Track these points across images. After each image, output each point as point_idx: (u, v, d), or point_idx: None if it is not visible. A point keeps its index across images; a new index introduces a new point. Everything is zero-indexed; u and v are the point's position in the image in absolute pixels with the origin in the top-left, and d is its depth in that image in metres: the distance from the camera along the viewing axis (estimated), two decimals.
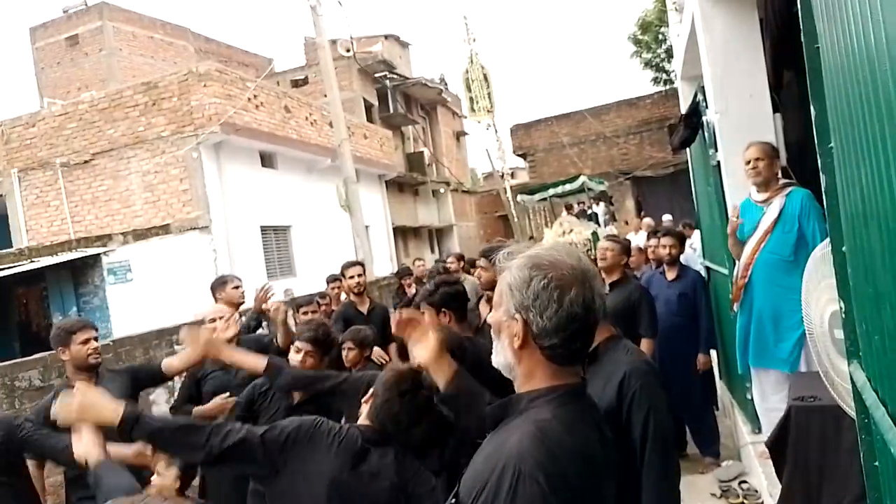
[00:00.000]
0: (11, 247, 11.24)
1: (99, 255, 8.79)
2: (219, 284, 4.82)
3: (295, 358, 3.15)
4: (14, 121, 11.87)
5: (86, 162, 11.21)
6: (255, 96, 11.88)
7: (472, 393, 2.03)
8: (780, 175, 3.72)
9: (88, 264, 8.82)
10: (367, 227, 10.07)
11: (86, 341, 3.28)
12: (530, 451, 1.15)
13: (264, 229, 12.20)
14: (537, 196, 13.49)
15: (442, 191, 24.20)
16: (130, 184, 11.03)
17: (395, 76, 22.15)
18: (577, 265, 1.27)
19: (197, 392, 3.79)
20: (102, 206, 11.22)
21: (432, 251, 23.02)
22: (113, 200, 11.16)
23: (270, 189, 12.33)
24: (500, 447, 1.21)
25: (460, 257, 8.09)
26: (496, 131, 16.65)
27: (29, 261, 8.86)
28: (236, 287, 4.79)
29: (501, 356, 1.32)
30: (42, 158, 11.52)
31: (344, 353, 3.50)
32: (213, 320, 3.80)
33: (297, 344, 3.20)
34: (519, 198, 13.36)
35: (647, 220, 12.40)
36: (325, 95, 11.77)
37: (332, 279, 7.25)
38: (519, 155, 23.29)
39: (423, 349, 2.06)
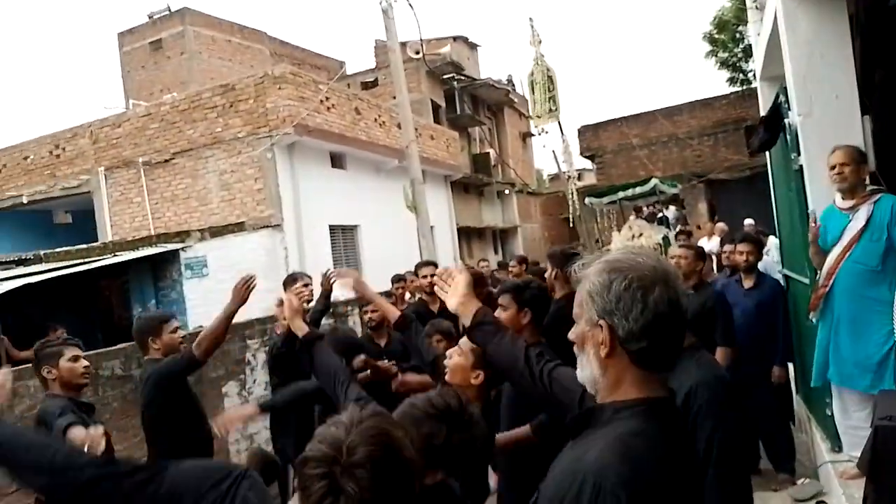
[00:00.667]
0: (97, 241, 11.87)
1: (177, 250, 9.18)
2: (290, 282, 5.01)
3: None
4: (102, 121, 12.52)
5: (166, 161, 11.72)
6: (326, 98, 12.14)
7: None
8: (867, 181, 3.54)
9: (167, 259, 9.23)
10: (431, 227, 10.13)
11: (175, 330, 3.66)
12: (613, 465, 1.10)
13: (333, 228, 12.45)
14: (606, 199, 13.25)
15: (507, 192, 24.11)
16: (208, 182, 11.47)
17: (462, 77, 22.22)
18: (657, 265, 1.23)
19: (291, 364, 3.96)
20: (181, 204, 11.71)
21: (496, 252, 22.96)
22: (191, 198, 11.63)
23: (339, 189, 12.58)
24: (580, 459, 1.17)
25: (523, 260, 8.04)
26: (562, 133, 16.45)
27: (112, 255, 9.33)
28: (306, 285, 4.96)
29: (587, 370, 1.28)
30: (126, 157, 12.11)
31: (433, 345, 3.51)
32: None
33: None
34: (587, 200, 13.18)
35: (721, 225, 11.99)
36: (394, 97, 11.93)
37: (397, 279, 7.34)
38: (586, 156, 22.95)
39: (453, 293, 1.97)
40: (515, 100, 25.96)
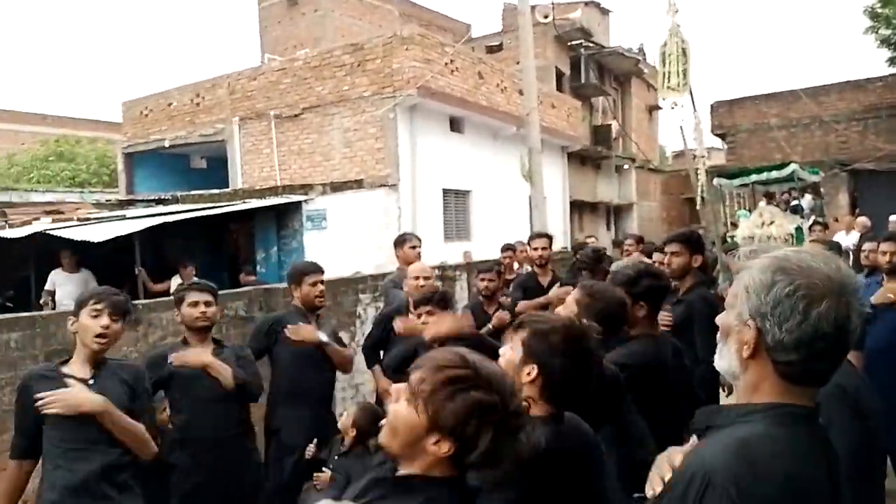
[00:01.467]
0: (228, 187, 12.63)
1: (300, 202, 9.59)
2: (399, 242, 5.16)
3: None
4: (239, 74, 13.19)
5: (296, 115, 12.21)
6: (451, 61, 12.12)
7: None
8: None
9: (291, 209, 9.66)
10: (544, 198, 9.97)
11: (314, 283, 3.84)
12: (726, 461, 1.06)
13: (446, 192, 12.55)
14: (737, 181, 12.44)
15: (626, 167, 23.26)
16: (332, 139, 11.85)
17: (591, 45, 21.46)
18: (833, 275, 1.11)
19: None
20: (306, 158, 12.19)
21: (608, 228, 22.34)
22: (316, 153, 12.08)
23: (456, 153, 12.62)
24: (696, 454, 1.14)
25: (640, 239, 7.75)
26: (695, 108, 15.56)
27: (241, 202, 9.89)
28: (413, 247, 5.08)
29: (726, 361, 1.21)
30: (259, 110, 12.72)
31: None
32: (417, 278, 4.09)
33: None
34: (716, 181, 12.46)
35: (862, 220, 11.00)
36: (518, 63, 11.71)
37: (506, 248, 7.31)
38: (717, 135, 21.64)
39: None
40: (645, 70, 24.80)
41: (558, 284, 4.98)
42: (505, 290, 5.54)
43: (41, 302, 8.19)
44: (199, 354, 3.13)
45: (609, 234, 21.51)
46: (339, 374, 4.14)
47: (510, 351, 1.88)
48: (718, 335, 1.24)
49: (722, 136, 21.50)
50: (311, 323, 3.86)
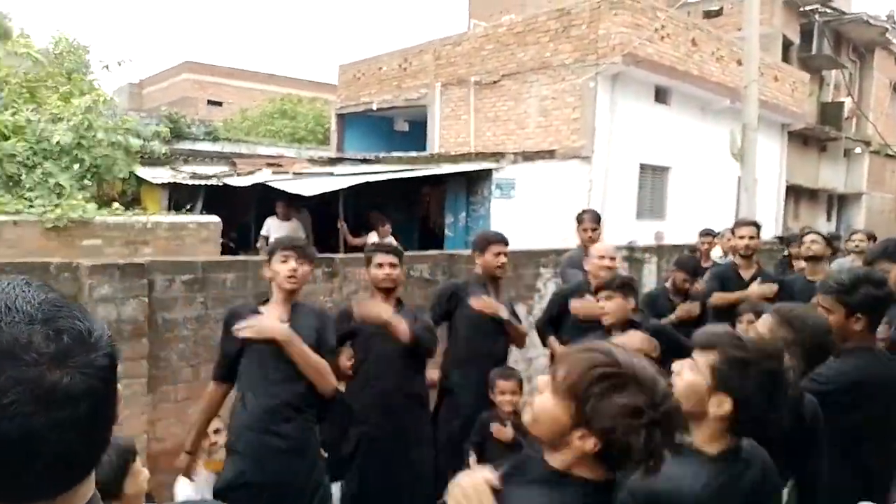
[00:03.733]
0: (426, 150, 13.09)
1: (491, 169, 9.65)
2: (578, 220, 4.94)
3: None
4: (444, 40, 13.49)
5: (494, 82, 12.24)
6: (662, 27, 11.36)
7: None
8: None
9: (481, 176, 9.76)
10: (755, 180, 9.05)
11: (498, 254, 3.87)
12: None
13: (643, 167, 11.92)
14: None
15: (858, 150, 20.47)
16: (528, 107, 11.74)
17: (828, 10, 18.95)
18: None
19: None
20: (501, 125, 12.22)
21: (828, 219, 19.94)
22: (510, 121, 12.06)
23: (657, 126, 11.90)
24: None
25: (871, 236, 6.76)
26: None
27: (436, 165, 10.19)
28: (585, 229, 4.85)
29: None
30: (461, 76, 12.94)
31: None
32: (602, 257, 3.97)
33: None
34: None
35: None
36: (740, 29, 10.66)
37: (705, 233, 6.76)
38: None
39: None
40: (893, 41, 21.45)
41: (759, 280, 4.49)
42: (698, 278, 5.13)
43: (257, 246, 9.13)
44: (379, 307, 3.27)
45: (828, 225, 19.21)
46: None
47: (690, 373, 1.67)
48: None
49: None
50: (490, 293, 3.88)
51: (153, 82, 30.54)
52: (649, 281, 7.41)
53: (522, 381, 3.65)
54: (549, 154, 10.53)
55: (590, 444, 1.25)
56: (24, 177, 7.61)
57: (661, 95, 12.13)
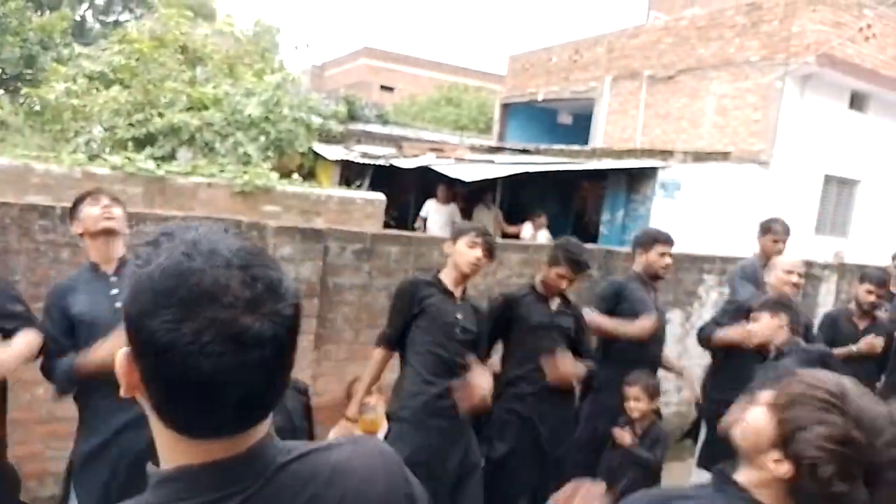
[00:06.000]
0: (588, 145, 12.84)
1: (656, 168, 9.26)
2: (765, 229, 4.55)
3: None
4: (620, 32, 13.11)
5: (669, 77, 11.72)
6: (868, 26, 10.26)
7: None
8: None
9: (645, 175, 9.40)
10: None
11: (663, 254, 3.75)
12: None
13: (828, 179, 10.89)
14: None
15: None
16: (705, 105, 11.12)
17: None
18: None
19: None
20: (672, 123, 11.69)
21: None
22: (683, 118, 11.50)
23: (850, 135, 10.79)
24: None
25: None
26: None
27: (598, 160, 9.97)
28: (776, 241, 4.44)
29: None
30: (634, 69, 12.52)
31: None
32: (790, 273, 3.71)
33: None
34: None
35: None
36: None
37: None
38: None
39: None
40: None
41: None
42: (886, 304, 4.62)
43: (415, 225, 9.49)
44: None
45: None
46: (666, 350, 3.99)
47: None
48: None
49: None
50: (651, 292, 3.77)
51: (334, 66, 32.55)
52: (825, 301, 6.78)
53: (654, 387, 3.56)
54: (723, 156, 9.91)
55: (783, 469, 1.18)
56: (217, 145, 8.45)
57: (857, 101, 10.97)
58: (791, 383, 1.24)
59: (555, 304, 3.46)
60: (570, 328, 3.49)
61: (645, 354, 3.79)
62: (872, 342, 4.18)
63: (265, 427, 0.81)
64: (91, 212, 2.47)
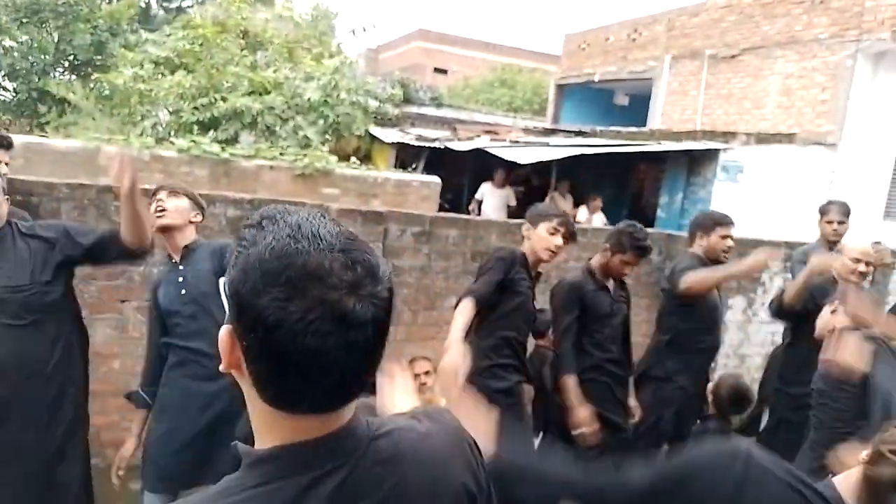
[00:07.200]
0: (646, 126, 12.58)
1: (717, 150, 9.02)
2: (822, 211, 4.43)
3: None
4: (681, 10, 12.73)
5: (732, 57, 11.35)
6: None
7: None
8: None
9: (706, 157, 9.17)
10: None
11: (725, 237, 3.65)
12: None
13: None
14: None
15: None
16: (769, 85, 10.74)
17: None
18: None
19: None
20: (734, 103, 11.34)
21: None
22: (746, 99, 11.14)
23: None
24: None
25: None
26: None
27: (656, 142, 9.76)
28: (829, 221, 4.31)
29: None
30: (694, 48, 12.16)
31: None
32: (858, 261, 3.43)
33: None
34: None
35: None
36: None
37: None
38: None
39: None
40: None
41: None
42: None
43: (469, 208, 9.52)
44: None
45: None
46: (727, 338, 3.94)
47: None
48: None
49: None
50: None
51: (388, 49, 32.65)
52: (894, 289, 6.53)
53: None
54: (788, 138, 9.57)
55: None
56: (278, 128, 8.64)
57: None
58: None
59: (613, 289, 3.46)
60: (627, 314, 3.50)
61: (712, 342, 3.74)
62: None
63: (352, 407, 0.84)
64: (151, 210, 2.59)
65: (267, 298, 0.72)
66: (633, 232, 3.35)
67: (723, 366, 5.17)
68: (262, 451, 0.80)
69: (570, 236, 2.99)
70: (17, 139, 4.25)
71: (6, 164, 3.79)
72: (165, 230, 2.62)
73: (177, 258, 2.66)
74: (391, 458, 0.84)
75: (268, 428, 0.81)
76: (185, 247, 2.65)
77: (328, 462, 0.79)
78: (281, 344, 0.73)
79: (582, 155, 8.96)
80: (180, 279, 2.60)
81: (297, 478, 0.78)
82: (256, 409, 0.81)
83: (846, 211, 4.30)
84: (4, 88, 14.22)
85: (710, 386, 3.87)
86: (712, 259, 3.69)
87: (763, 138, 9.41)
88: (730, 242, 3.66)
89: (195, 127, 8.11)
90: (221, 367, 0.81)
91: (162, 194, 2.65)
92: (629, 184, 12.09)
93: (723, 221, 3.70)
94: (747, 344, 5.34)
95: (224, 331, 0.79)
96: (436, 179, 7.65)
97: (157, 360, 2.64)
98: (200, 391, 2.51)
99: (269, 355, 0.75)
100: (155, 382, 2.65)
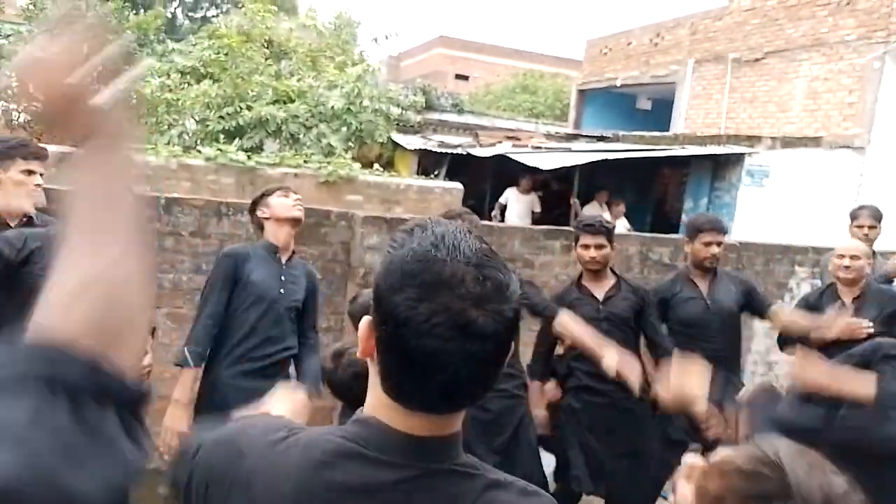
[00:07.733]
0: (669, 131, 12.49)
1: (742, 154, 8.94)
2: (853, 216, 4.38)
3: None
4: (704, 14, 12.64)
5: (756, 60, 11.24)
6: None
7: None
8: None
9: (730, 161, 9.09)
10: None
11: (708, 244, 3.45)
12: None
13: None
14: None
15: None
16: (794, 88, 10.62)
17: None
18: None
19: None
20: (759, 107, 11.22)
21: None
22: (771, 102, 11.02)
23: None
24: None
25: None
26: None
27: (680, 147, 9.70)
28: (860, 226, 4.25)
29: None
30: (717, 52, 12.06)
31: None
32: (842, 257, 3.46)
33: None
34: None
35: None
36: None
37: None
38: None
39: None
40: None
41: None
42: None
43: (492, 214, 9.53)
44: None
45: None
46: (754, 346, 3.87)
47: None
48: None
49: None
50: (699, 287, 3.54)
51: (409, 56, 32.84)
52: None
53: None
54: (814, 141, 9.46)
55: None
56: (302, 136, 8.74)
57: None
58: (726, 477, 0.98)
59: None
60: (626, 318, 3.29)
61: (731, 353, 3.65)
62: None
63: (460, 419, 0.88)
64: (283, 202, 2.79)
65: (401, 297, 0.79)
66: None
67: (750, 373, 5.11)
68: (369, 417, 0.87)
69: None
70: (50, 149, 4.33)
71: (41, 174, 3.87)
72: (297, 223, 2.84)
73: (282, 256, 2.83)
74: (454, 495, 0.84)
75: (379, 412, 0.87)
76: (293, 252, 2.88)
77: (410, 458, 0.84)
78: (406, 340, 0.79)
79: (604, 160, 8.94)
80: (283, 277, 2.79)
81: (383, 455, 0.84)
82: (374, 396, 0.88)
83: (878, 215, 4.24)
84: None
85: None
86: (697, 266, 3.55)
87: (789, 142, 9.30)
88: (714, 250, 3.45)
89: (221, 135, 8.23)
90: (358, 354, 0.88)
91: (295, 194, 2.88)
92: (652, 189, 12.01)
93: (705, 227, 3.49)
94: (775, 351, 5.27)
95: (364, 321, 0.86)
96: (458, 186, 7.68)
97: (213, 327, 2.70)
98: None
99: (394, 349, 0.82)
100: (201, 343, 2.70)
